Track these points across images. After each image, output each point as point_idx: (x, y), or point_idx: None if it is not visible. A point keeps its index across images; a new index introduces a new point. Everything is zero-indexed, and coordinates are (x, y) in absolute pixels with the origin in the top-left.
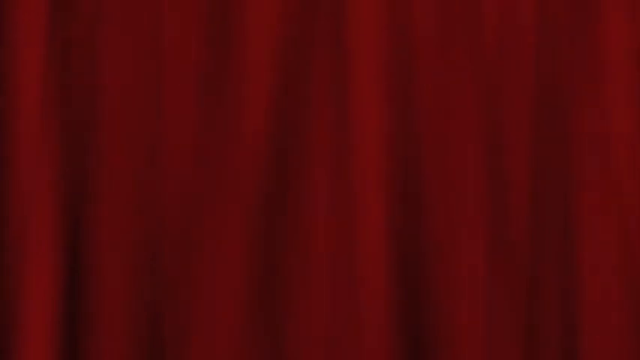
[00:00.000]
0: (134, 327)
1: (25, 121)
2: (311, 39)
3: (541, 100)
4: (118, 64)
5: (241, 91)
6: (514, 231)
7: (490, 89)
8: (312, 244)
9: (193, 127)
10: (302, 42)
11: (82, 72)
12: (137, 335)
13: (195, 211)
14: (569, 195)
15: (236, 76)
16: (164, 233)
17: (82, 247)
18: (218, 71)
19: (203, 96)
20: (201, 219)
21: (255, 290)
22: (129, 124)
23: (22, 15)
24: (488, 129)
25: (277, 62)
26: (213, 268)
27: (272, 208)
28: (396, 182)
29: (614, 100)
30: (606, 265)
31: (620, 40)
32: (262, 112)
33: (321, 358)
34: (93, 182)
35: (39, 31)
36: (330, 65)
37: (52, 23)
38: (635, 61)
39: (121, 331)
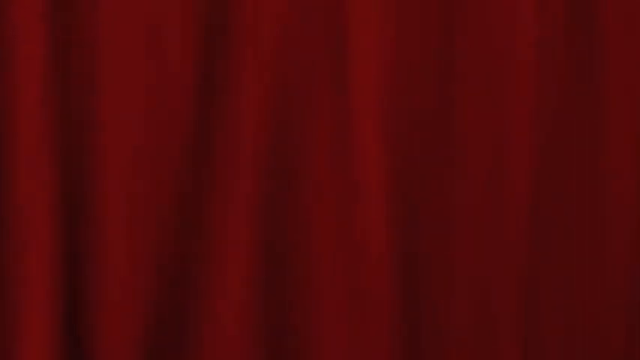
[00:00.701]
0: (135, 327)
1: (25, 121)
2: (311, 40)
3: (542, 104)
4: (118, 63)
5: (241, 91)
6: (514, 230)
7: (492, 93)
8: (315, 245)
9: (193, 127)
10: (302, 43)
11: (82, 72)
12: (138, 335)
13: (195, 210)
14: (570, 195)
15: (235, 76)
16: (164, 233)
17: (82, 246)
18: (218, 70)
19: (203, 95)
20: (201, 218)
21: (257, 290)
22: (129, 124)
23: (21, 15)
24: (489, 132)
25: (277, 63)
26: (214, 266)
27: (272, 209)
28: (397, 183)
29: (614, 102)
30: (608, 266)
31: (619, 42)
32: (262, 113)
33: (325, 358)
34: (93, 182)
35: (39, 31)
36: (331, 65)
37: (52, 23)
38: (635, 63)
39: (122, 331)
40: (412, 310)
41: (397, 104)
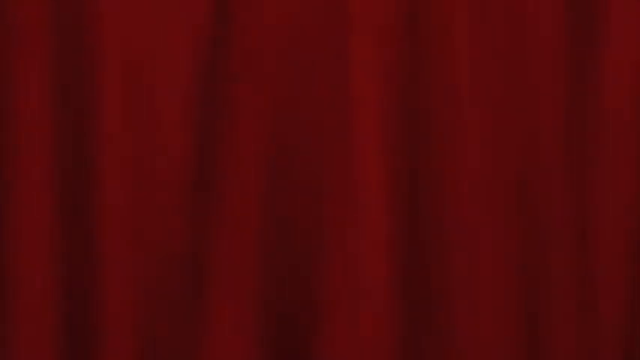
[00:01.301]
0: (135, 327)
1: (24, 121)
2: (311, 41)
3: (542, 104)
4: (120, 64)
5: (241, 93)
6: (514, 230)
7: (492, 92)
8: (315, 245)
9: (193, 128)
10: (302, 44)
11: (84, 72)
12: (138, 335)
13: (196, 211)
14: (570, 195)
15: (236, 77)
16: (165, 233)
17: (82, 246)
18: (219, 72)
19: (203, 95)
20: (202, 218)
21: (258, 290)
22: (129, 124)
23: (22, 15)
24: (489, 132)
25: (278, 65)
26: (215, 267)
27: (272, 210)
28: (397, 183)
29: (614, 102)
30: (607, 265)
31: (619, 41)
32: (263, 114)
33: None
34: (93, 182)
35: (39, 31)
36: (331, 66)
37: (52, 22)
38: (635, 62)
39: (122, 330)
40: (412, 310)
41: (397, 104)
